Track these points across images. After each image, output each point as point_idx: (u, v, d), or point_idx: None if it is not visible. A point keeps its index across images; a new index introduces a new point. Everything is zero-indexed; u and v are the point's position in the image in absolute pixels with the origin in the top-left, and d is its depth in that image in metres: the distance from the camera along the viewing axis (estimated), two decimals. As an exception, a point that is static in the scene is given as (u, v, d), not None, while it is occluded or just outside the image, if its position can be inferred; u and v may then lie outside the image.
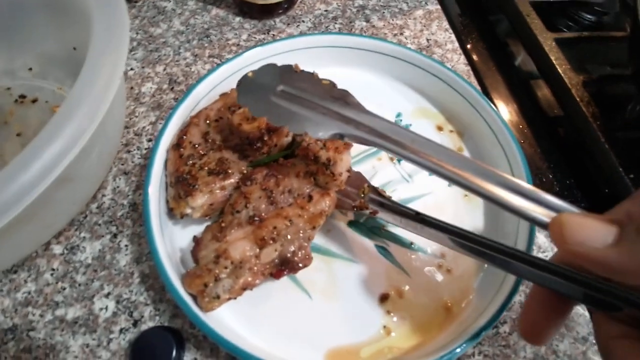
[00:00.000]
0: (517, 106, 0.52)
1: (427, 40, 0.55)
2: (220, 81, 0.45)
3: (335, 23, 0.56)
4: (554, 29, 0.54)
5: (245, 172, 0.37)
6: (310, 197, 0.34)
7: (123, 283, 0.37)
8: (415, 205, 0.40)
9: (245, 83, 0.36)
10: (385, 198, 0.36)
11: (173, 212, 0.37)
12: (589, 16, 0.57)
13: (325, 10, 0.58)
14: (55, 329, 0.35)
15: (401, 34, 0.56)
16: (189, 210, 0.36)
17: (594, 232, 0.19)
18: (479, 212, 0.41)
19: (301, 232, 0.32)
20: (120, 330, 0.35)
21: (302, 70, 0.37)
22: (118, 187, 0.42)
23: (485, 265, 0.38)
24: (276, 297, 0.36)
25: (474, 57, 0.56)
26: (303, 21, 0.56)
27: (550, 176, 0.46)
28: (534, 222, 0.24)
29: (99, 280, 0.37)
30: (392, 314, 0.35)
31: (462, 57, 0.54)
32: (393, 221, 0.36)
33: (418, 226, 0.34)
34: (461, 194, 0.42)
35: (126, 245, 0.39)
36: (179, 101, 0.42)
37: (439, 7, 0.59)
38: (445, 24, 0.57)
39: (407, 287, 0.36)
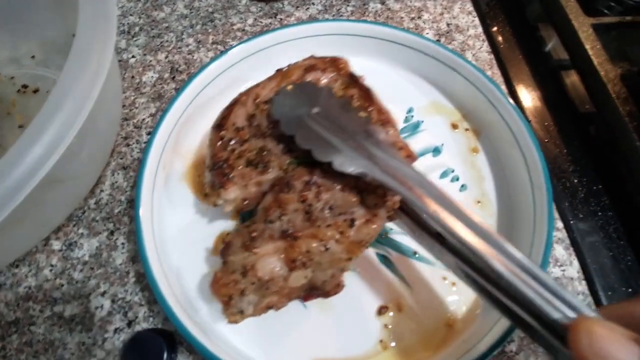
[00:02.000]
0: (544, 99, 0.47)
1: (448, 25, 0.50)
2: (221, 71, 0.43)
3: (348, 5, 0.52)
4: (593, 11, 0.48)
5: (286, 169, 0.32)
6: (352, 222, 0.30)
7: (119, 282, 0.37)
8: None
9: (282, 96, 0.34)
10: (409, 206, 0.32)
11: (207, 198, 0.34)
12: (635, -4, 0.50)
13: (338, -9, 0.54)
14: (53, 325, 0.35)
15: (419, 17, 0.51)
16: (220, 202, 0.33)
17: (619, 349, 0.19)
18: (492, 221, 0.38)
19: (336, 261, 0.29)
20: (115, 330, 0.35)
21: (342, 97, 0.35)
22: (116, 182, 0.41)
23: (494, 280, 0.35)
24: (270, 304, 0.35)
25: (499, 43, 0.51)
26: (313, 3, 0.52)
27: (575, 181, 0.42)
28: (539, 311, 0.23)
29: (95, 278, 0.37)
30: (389, 328, 0.33)
31: (485, 44, 0.49)
32: (410, 232, 0.31)
33: (436, 246, 0.30)
34: (473, 199, 0.39)
35: (122, 244, 0.38)
36: (176, 93, 0.40)
37: (463, -14, 0.54)
38: (469, 6, 0.52)
39: (407, 300, 0.34)
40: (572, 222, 0.40)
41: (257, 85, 0.37)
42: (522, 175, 0.37)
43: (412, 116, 0.43)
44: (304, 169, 0.31)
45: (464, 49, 0.49)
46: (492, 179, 0.40)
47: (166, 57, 0.49)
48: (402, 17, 0.51)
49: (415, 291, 0.35)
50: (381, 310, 0.34)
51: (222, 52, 0.43)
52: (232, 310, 0.29)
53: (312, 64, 0.37)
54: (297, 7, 0.52)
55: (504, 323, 0.32)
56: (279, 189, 0.31)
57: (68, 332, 0.35)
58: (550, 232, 0.34)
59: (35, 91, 0.45)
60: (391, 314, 0.34)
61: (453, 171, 0.40)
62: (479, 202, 0.39)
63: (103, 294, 0.36)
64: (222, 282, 0.30)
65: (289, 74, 0.37)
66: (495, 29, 0.52)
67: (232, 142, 0.34)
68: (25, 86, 0.46)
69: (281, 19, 0.51)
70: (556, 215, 0.40)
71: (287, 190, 0.31)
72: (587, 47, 0.44)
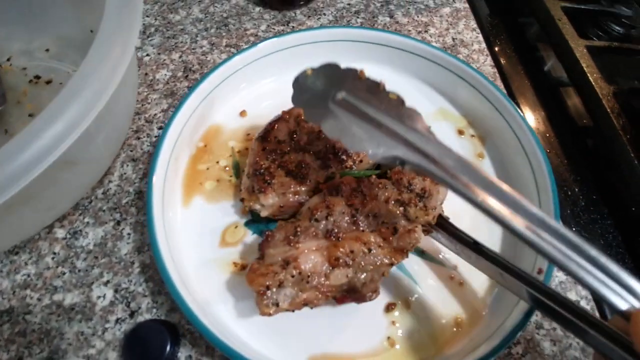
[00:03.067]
0: (545, 114, 0.49)
1: (453, 39, 0.53)
2: (234, 71, 0.44)
3: (358, 17, 0.54)
4: (585, 36, 0.51)
5: (321, 181, 0.35)
6: (394, 230, 0.31)
7: (123, 272, 0.36)
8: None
9: (302, 81, 0.31)
10: (446, 220, 0.34)
11: (243, 203, 0.36)
12: (617, 28, 0.54)
13: (348, 4, 0.56)
14: (51, 314, 0.34)
15: (426, 31, 0.53)
16: (257, 207, 0.35)
17: None
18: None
19: (378, 263, 0.30)
20: (117, 320, 0.34)
21: (368, 78, 0.31)
22: (125, 173, 0.41)
23: (501, 281, 0.35)
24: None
25: (502, 59, 0.53)
26: (324, 14, 0.55)
27: (576, 189, 0.43)
28: (605, 302, 0.23)
29: (99, 267, 0.36)
30: (397, 325, 0.33)
31: (489, 58, 0.51)
32: (447, 244, 0.34)
33: (473, 255, 0.32)
34: (479, 202, 0.40)
35: (129, 234, 0.38)
36: (189, 90, 0.41)
37: (467, 5, 0.57)
38: (473, 24, 0.55)
39: (415, 298, 0.34)
40: (573, 229, 0.41)
41: None
42: (528, 180, 0.38)
43: (420, 122, 0.44)
44: (351, 179, 0.33)
45: (468, 62, 0.51)
46: (497, 184, 0.41)
47: (180, 57, 0.50)
48: (409, 30, 0.53)
49: (423, 289, 0.35)
50: (389, 307, 0.34)
51: (236, 53, 0.44)
52: (267, 302, 0.29)
53: None
54: (309, 16, 0.54)
55: (510, 324, 0.32)
56: (327, 192, 0.33)
57: (67, 321, 0.34)
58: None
59: (48, 82, 0.45)
60: (398, 312, 0.34)
61: (459, 175, 0.41)
62: (484, 205, 0.39)
63: (106, 283, 0.35)
64: (259, 272, 0.29)
65: None
66: (497, 47, 0.55)
67: (274, 153, 0.36)
68: (37, 77, 0.46)
69: (293, 27, 0.53)
70: (558, 222, 0.40)
71: (336, 193, 0.32)
72: (584, 65, 0.47)
